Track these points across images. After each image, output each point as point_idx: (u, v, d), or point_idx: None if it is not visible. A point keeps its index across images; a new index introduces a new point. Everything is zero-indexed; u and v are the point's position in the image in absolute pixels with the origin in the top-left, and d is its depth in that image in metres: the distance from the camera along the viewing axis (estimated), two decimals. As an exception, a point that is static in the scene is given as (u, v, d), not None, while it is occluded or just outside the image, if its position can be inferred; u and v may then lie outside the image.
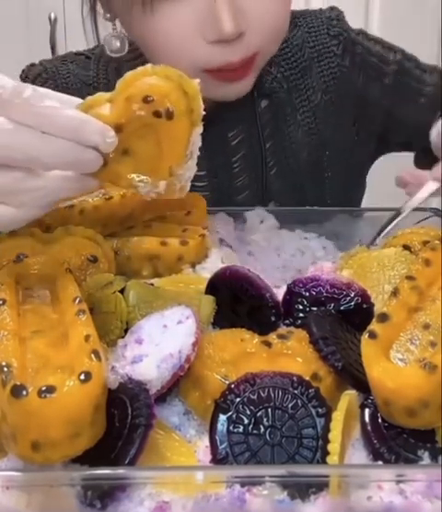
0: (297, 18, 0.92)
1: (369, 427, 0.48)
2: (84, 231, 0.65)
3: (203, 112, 0.56)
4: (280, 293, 0.61)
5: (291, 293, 0.60)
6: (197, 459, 0.48)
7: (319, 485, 0.44)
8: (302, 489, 0.44)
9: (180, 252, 0.68)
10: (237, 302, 0.60)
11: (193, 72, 0.71)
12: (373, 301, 0.59)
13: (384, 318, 0.51)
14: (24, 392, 0.43)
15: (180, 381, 0.51)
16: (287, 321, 0.59)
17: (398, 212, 0.74)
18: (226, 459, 0.46)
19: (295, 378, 0.49)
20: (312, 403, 0.48)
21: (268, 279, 0.61)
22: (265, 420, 0.47)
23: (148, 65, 0.55)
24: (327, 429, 0.47)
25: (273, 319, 0.59)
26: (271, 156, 0.92)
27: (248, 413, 0.48)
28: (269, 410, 0.48)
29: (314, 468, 0.46)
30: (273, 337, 0.55)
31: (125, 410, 0.46)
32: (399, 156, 1.03)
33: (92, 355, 0.46)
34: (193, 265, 0.69)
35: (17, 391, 0.43)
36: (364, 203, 1.03)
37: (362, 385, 0.50)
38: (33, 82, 0.90)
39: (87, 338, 0.48)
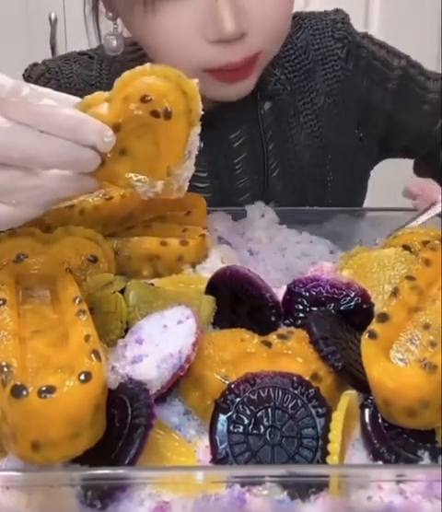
0: (302, 20, 0.91)
1: (369, 427, 0.48)
2: (84, 231, 0.65)
3: (202, 112, 0.56)
4: (280, 293, 0.61)
5: (291, 293, 0.60)
6: (197, 460, 0.48)
7: (320, 485, 0.44)
8: (302, 489, 0.44)
9: (180, 252, 0.68)
10: (237, 302, 0.60)
11: (194, 72, 0.71)
12: (373, 301, 0.59)
13: (384, 318, 0.51)
14: (24, 392, 0.43)
15: (180, 381, 0.51)
16: (287, 321, 0.59)
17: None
18: (226, 459, 0.46)
19: (295, 378, 0.49)
20: (312, 403, 0.48)
21: (269, 281, 0.61)
22: (265, 420, 0.47)
23: (147, 65, 0.55)
24: (327, 429, 0.47)
25: (273, 319, 0.59)
26: (273, 158, 0.91)
27: (248, 413, 0.48)
28: (269, 410, 0.48)
29: (314, 468, 0.46)
30: (273, 337, 0.55)
31: (125, 410, 0.46)
32: (399, 156, 1.03)
33: (92, 355, 0.46)
34: (193, 265, 0.69)
35: (17, 391, 0.43)
36: (364, 203, 1.03)
37: (362, 385, 0.50)
38: (36, 82, 0.90)
39: (87, 338, 0.48)
